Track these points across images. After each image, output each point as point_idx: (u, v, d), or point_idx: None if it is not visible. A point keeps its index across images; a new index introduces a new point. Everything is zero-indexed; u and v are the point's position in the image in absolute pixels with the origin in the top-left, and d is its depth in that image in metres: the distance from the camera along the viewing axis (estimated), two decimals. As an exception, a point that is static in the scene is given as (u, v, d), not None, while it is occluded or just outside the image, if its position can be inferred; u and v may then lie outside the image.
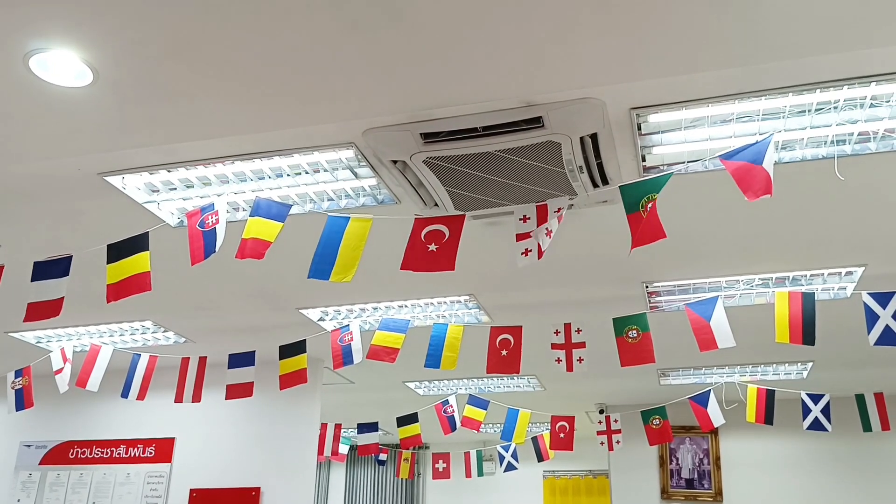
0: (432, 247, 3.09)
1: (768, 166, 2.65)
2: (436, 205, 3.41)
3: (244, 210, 3.67)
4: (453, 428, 6.60)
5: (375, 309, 5.28)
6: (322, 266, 3.07)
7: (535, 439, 7.10)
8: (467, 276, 4.69)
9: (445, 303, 5.21)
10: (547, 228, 2.95)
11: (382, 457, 8.11)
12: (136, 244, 3.15)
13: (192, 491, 6.54)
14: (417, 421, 6.69)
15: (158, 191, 3.54)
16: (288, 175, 3.43)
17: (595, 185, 3.26)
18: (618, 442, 6.31)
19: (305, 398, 6.63)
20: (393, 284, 4.78)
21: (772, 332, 5.44)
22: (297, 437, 6.57)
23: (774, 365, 6.76)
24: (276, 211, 3.08)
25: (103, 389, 6.95)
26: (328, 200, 3.59)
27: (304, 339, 4.95)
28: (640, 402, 7.77)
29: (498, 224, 3.84)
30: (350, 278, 3.06)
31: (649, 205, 2.82)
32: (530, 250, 3.04)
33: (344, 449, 7.61)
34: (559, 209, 3.05)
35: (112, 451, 6.79)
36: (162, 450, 6.74)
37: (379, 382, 7.66)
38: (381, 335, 4.73)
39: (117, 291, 3.09)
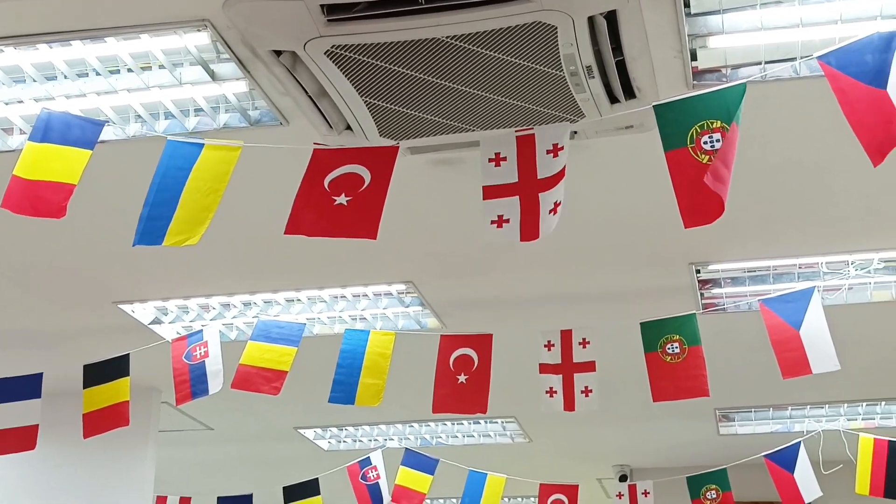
0: (341, 199, 3.08)
1: None
2: (348, 128, 3.39)
3: (21, 133, 3.62)
4: (379, 504, 6.61)
5: (247, 305, 5.25)
6: (154, 222, 3.05)
7: (513, 523, 7.17)
8: (402, 251, 4.68)
9: (366, 295, 5.20)
10: (554, 199, 2.95)
11: (261, 553, 8.10)
12: None
13: None
14: (318, 493, 6.66)
15: None
16: (97, 73, 3.37)
17: (613, 100, 3.26)
18: (649, 528, 6.40)
19: (129, 453, 6.55)
20: (276, 263, 4.75)
21: (899, 347, 5.55)
22: (115, 518, 6.51)
23: (903, 402, 6.90)
24: (79, 133, 3.03)
25: None
26: (166, 118, 3.55)
27: (127, 354, 4.88)
28: (686, 462, 7.86)
29: (452, 164, 3.83)
30: (196, 239, 3.03)
31: (705, 137, 2.83)
32: (507, 219, 3.04)
33: (196, 540, 7.58)
34: (556, 145, 3.05)
35: None
36: None
37: (254, 428, 7.60)
38: (255, 349, 4.69)
39: None
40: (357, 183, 3.10)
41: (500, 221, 3.06)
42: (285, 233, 3.07)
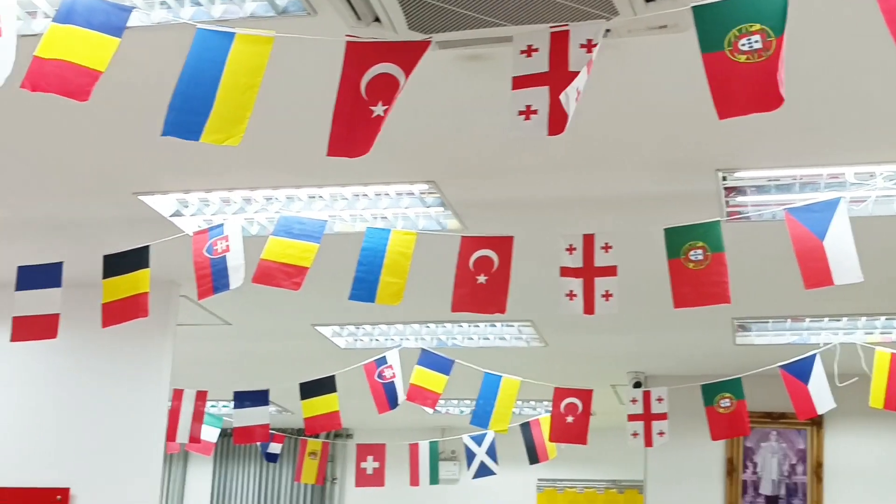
0: (378, 109, 3.08)
1: None
2: (377, 20, 3.34)
3: (46, 17, 3.57)
4: (393, 404, 6.67)
5: (269, 200, 5.24)
6: (188, 116, 3.04)
7: (526, 426, 7.21)
8: (425, 150, 4.65)
9: (388, 195, 5.18)
10: (575, 86, 2.93)
11: (275, 448, 8.19)
12: None
13: (-45, 491, 6.57)
14: (334, 390, 6.74)
15: None
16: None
17: (649, -1, 3.21)
18: (661, 433, 6.46)
19: (148, 347, 6.63)
20: (299, 159, 4.72)
21: (922, 261, 5.53)
22: (131, 410, 6.59)
23: (922, 317, 6.89)
24: (105, 17, 3.01)
25: None
26: (192, 5, 3.52)
27: (147, 246, 4.89)
28: (701, 371, 7.90)
29: (482, 60, 3.78)
30: (237, 140, 3.02)
31: (743, 40, 2.81)
32: (535, 110, 3.02)
33: (211, 434, 7.66)
34: (590, 41, 3.02)
35: None
36: None
37: (272, 325, 7.65)
38: (277, 244, 4.71)
39: None
40: (392, 87, 3.10)
41: (528, 112, 3.03)
42: (328, 154, 3.09)
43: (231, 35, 3.04)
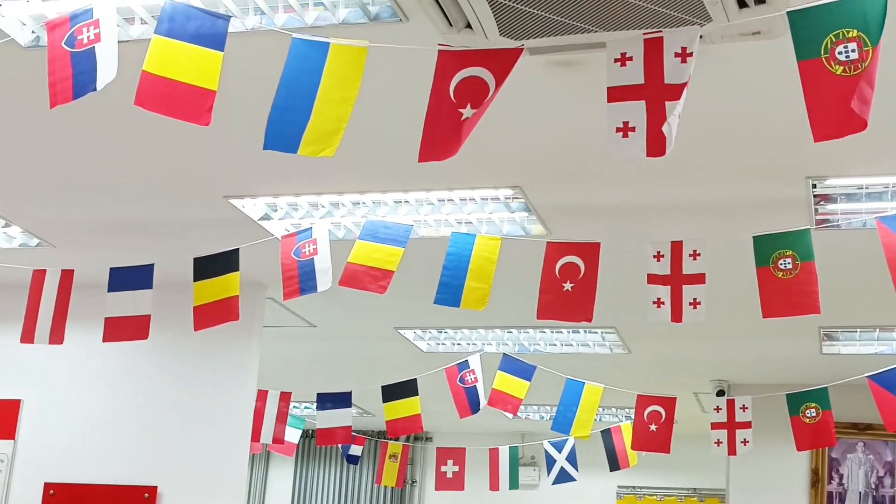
0: (467, 112, 3.08)
1: None
2: (468, 26, 3.34)
3: (145, 23, 3.64)
4: (475, 408, 6.66)
5: (356, 204, 5.26)
6: (287, 128, 3.05)
7: (607, 433, 7.17)
8: (511, 155, 4.64)
9: (473, 200, 5.18)
10: (678, 111, 2.90)
11: (356, 450, 8.22)
12: None
13: (47, 486, 6.68)
14: (416, 394, 6.74)
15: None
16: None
17: (742, 5, 3.17)
18: (745, 442, 6.37)
19: (234, 347, 6.69)
20: (386, 164, 4.75)
21: None
22: (218, 410, 6.66)
23: None
24: (199, 24, 3.02)
25: None
26: (286, 11, 3.54)
27: (237, 249, 4.94)
28: (786, 379, 7.82)
29: (570, 65, 3.76)
30: (332, 151, 3.02)
31: (840, 47, 2.76)
32: (633, 127, 3.00)
33: (293, 435, 7.71)
34: (684, 49, 3.00)
35: (-82, 419, 6.90)
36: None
37: (356, 327, 7.68)
38: (364, 248, 4.72)
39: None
40: (482, 92, 3.09)
41: (626, 130, 3.00)
42: (420, 161, 3.09)
43: (326, 45, 3.04)
